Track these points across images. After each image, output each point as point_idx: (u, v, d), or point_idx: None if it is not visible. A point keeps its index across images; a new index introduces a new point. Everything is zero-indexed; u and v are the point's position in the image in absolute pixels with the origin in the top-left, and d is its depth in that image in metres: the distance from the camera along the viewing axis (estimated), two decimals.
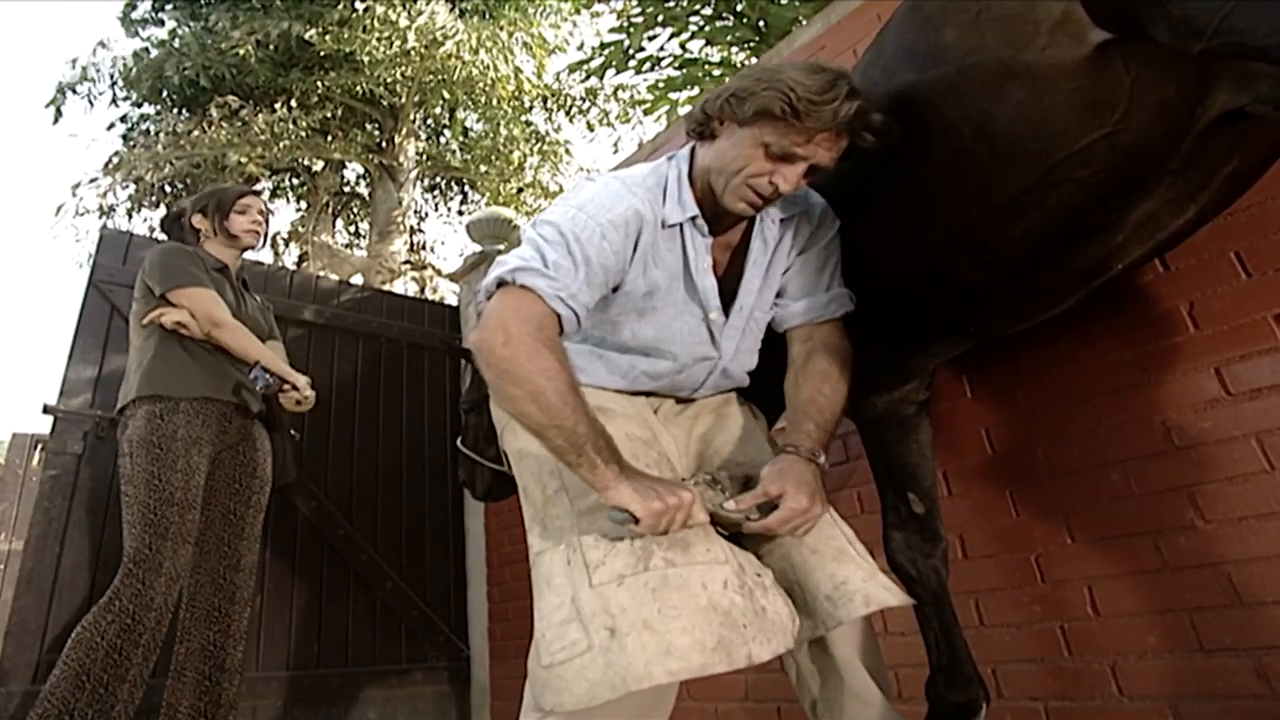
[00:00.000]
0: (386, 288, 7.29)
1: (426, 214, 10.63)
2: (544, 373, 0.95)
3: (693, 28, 5.43)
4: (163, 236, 2.45)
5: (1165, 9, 0.81)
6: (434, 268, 8.76)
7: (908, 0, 1.19)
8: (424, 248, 9.71)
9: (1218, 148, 1.03)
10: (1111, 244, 1.14)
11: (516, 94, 9.02)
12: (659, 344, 1.19)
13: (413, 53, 7.85)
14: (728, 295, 1.21)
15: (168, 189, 8.40)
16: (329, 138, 8.63)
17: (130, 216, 8.38)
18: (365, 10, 7.62)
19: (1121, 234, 1.13)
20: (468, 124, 10.24)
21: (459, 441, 1.89)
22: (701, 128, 1.16)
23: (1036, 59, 0.97)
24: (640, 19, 5.47)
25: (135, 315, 2.17)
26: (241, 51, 7.52)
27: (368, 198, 9.72)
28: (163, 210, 8.45)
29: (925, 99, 1.11)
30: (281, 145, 7.96)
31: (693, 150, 1.21)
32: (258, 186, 9.09)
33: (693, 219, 1.16)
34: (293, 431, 2.40)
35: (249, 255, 2.44)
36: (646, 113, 6.13)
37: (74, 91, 8.77)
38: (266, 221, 2.37)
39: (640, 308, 1.17)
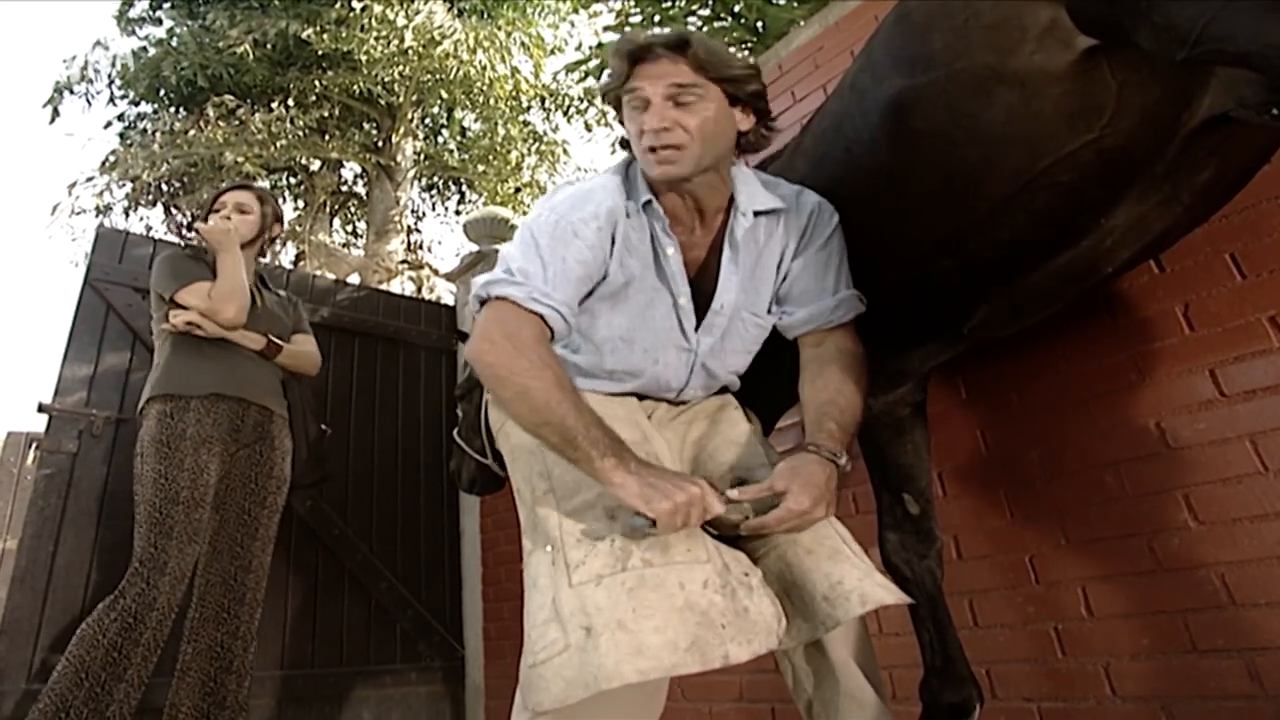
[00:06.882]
0: (383, 287, 7.28)
1: (424, 213, 10.61)
2: (527, 372, 0.99)
3: (690, 28, 5.43)
4: (159, 234, 2.45)
5: (1148, 17, 0.82)
6: (431, 267, 8.74)
7: (896, 7, 1.20)
8: (421, 247, 9.70)
9: (1204, 152, 1.03)
10: (1100, 247, 1.15)
11: (514, 94, 9.00)
12: (632, 333, 1.20)
13: (410, 52, 7.84)
14: (705, 291, 1.22)
15: (164, 188, 8.37)
16: (326, 137, 8.61)
17: (127, 215, 8.34)
18: (363, 9, 7.59)
19: (1110, 237, 1.13)
20: (465, 124, 10.21)
21: (454, 431, 1.89)
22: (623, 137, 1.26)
23: (1024, 64, 0.98)
24: (638, 19, 5.46)
25: (155, 323, 2.20)
26: (239, 50, 7.49)
27: (365, 197, 9.69)
28: (159, 209, 8.47)
29: (915, 104, 1.11)
30: (279, 144, 7.94)
31: None
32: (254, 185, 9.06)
33: (647, 204, 1.19)
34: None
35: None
36: None
37: (71, 91, 8.72)
38: (243, 213, 2.29)
39: (615, 296, 1.19)
